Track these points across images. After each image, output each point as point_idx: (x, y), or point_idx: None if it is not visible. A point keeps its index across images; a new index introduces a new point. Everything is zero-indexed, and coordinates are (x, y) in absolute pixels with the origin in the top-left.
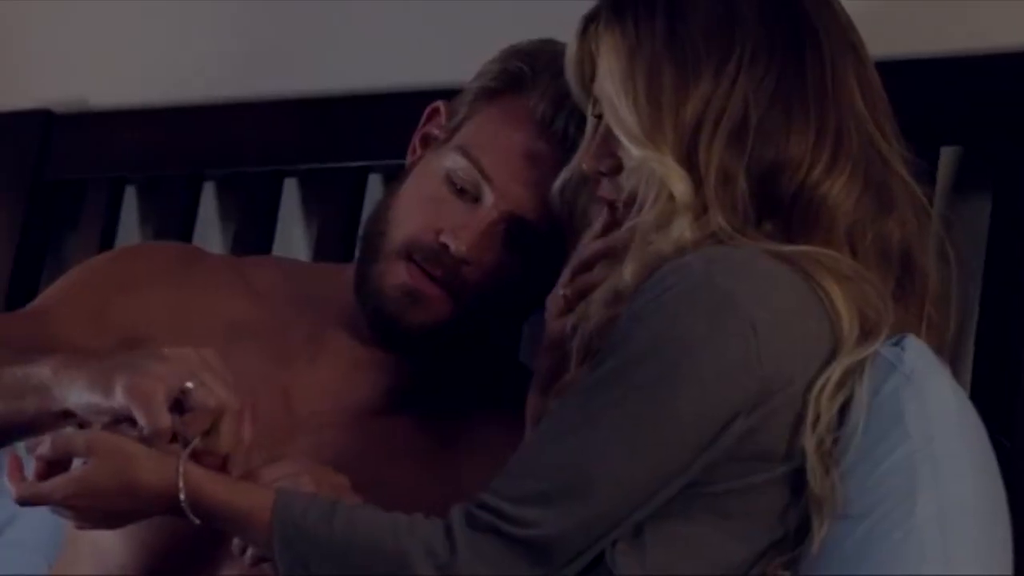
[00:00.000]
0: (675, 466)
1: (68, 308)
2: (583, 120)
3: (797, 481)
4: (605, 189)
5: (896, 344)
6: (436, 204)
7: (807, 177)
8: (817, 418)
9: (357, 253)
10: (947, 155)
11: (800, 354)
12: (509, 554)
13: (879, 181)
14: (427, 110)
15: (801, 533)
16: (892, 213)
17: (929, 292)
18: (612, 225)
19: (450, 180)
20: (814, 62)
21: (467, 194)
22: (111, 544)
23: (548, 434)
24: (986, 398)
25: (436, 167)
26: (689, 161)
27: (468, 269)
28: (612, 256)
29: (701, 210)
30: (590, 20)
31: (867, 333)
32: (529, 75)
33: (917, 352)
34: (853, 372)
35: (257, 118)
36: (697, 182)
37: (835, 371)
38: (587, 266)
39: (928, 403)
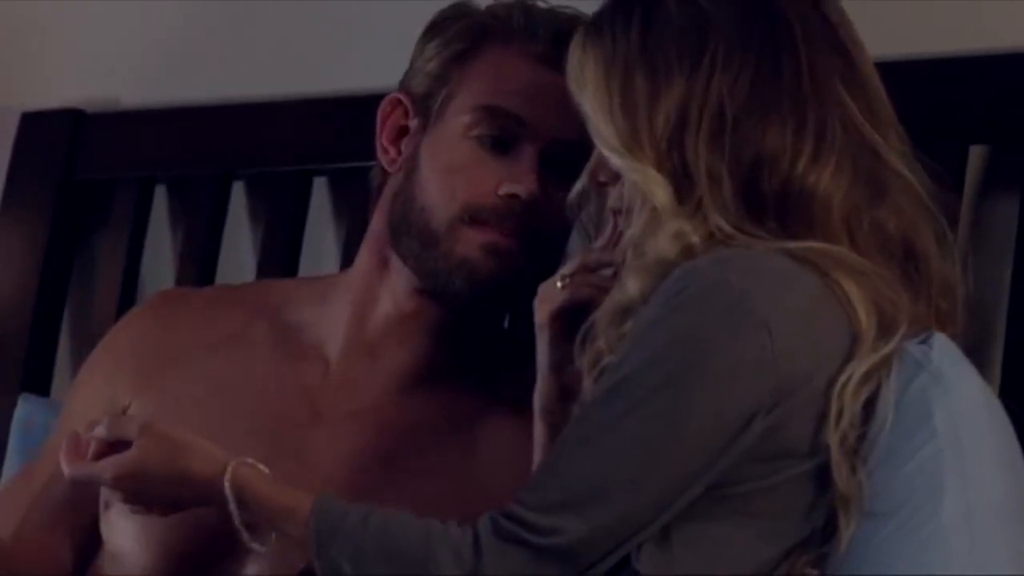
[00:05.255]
0: (695, 467)
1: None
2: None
3: (822, 478)
4: (613, 200)
5: (923, 342)
6: (475, 166)
7: (792, 171)
8: (840, 414)
9: (395, 260)
10: (975, 153)
11: (818, 351)
12: (534, 563)
13: (868, 171)
14: (384, 106)
15: (828, 531)
16: (884, 201)
17: (934, 280)
18: (618, 235)
19: (478, 140)
20: (789, 61)
21: (500, 144)
22: (131, 549)
23: (569, 442)
24: (1015, 396)
25: (452, 137)
26: (673, 165)
27: (537, 210)
28: (611, 265)
29: (693, 212)
30: (578, 38)
31: (886, 328)
32: (498, 24)
33: (944, 350)
34: (879, 369)
35: (287, 117)
36: (687, 185)
37: (858, 368)
38: (588, 268)
39: (956, 402)
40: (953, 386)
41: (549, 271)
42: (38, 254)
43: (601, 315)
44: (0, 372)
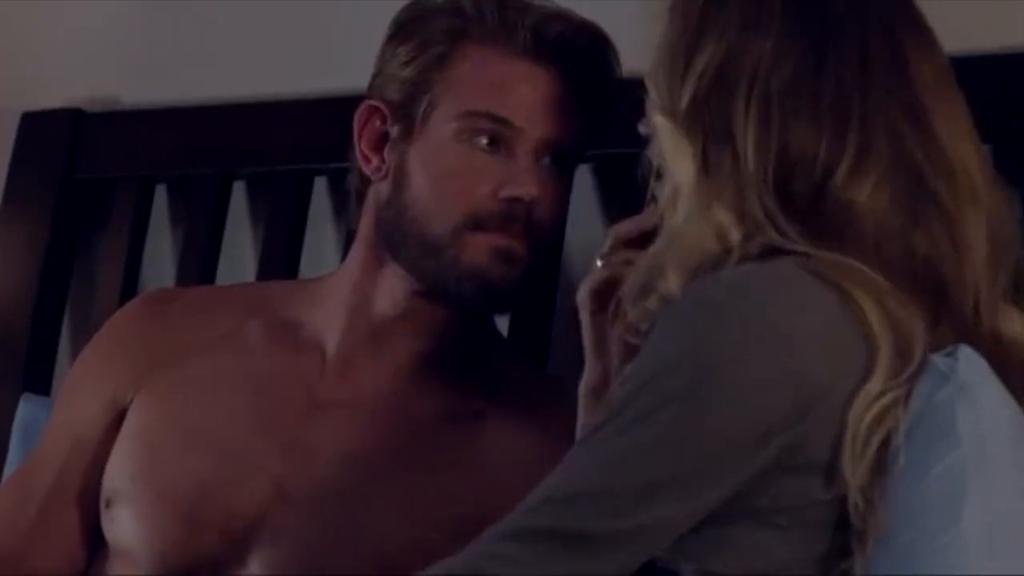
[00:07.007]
0: (704, 478)
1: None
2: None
3: (843, 511)
4: (650, 153)
5: (950, 355)
6: (471, 172)
7: (828, 179)
8: (862, 452)
9: (392, 266)
10: None
11: (836, 366)
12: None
13: (909, 195)
14: (360, 114)
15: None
16: (918, 227)
17: (955, 317)
18: (652, 199)
19: (470, 145)
20: (838, 66)
21: (495, 148)
22: (132, 548)
23: (576, 450)
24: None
25: (442, 144)
26: (705, 127)
27: (539, 210)
28: (648, 231)
29: (721, 189)
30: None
31: (902, 349)
32: (473, 24)
33: (970, 363)
34: (896, 406)
35: (288, 117)
36: (723, 155)
37: (875, 400)
38: (623, 243)
39: (980, 413)
40: (978, 397)
41: (550, 268)
42: (38, 254)
43: (628, 289)
44: (1, 372)
